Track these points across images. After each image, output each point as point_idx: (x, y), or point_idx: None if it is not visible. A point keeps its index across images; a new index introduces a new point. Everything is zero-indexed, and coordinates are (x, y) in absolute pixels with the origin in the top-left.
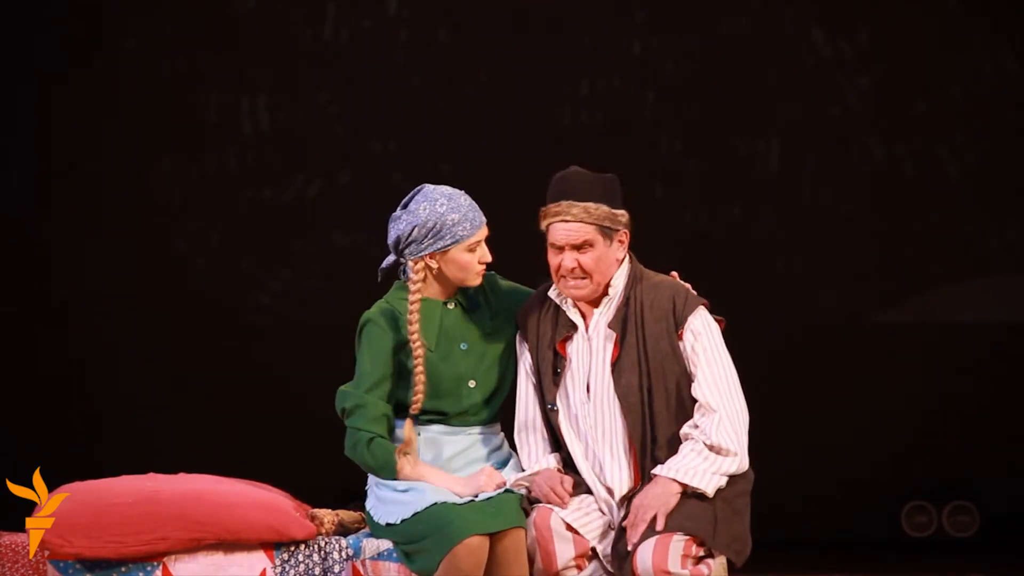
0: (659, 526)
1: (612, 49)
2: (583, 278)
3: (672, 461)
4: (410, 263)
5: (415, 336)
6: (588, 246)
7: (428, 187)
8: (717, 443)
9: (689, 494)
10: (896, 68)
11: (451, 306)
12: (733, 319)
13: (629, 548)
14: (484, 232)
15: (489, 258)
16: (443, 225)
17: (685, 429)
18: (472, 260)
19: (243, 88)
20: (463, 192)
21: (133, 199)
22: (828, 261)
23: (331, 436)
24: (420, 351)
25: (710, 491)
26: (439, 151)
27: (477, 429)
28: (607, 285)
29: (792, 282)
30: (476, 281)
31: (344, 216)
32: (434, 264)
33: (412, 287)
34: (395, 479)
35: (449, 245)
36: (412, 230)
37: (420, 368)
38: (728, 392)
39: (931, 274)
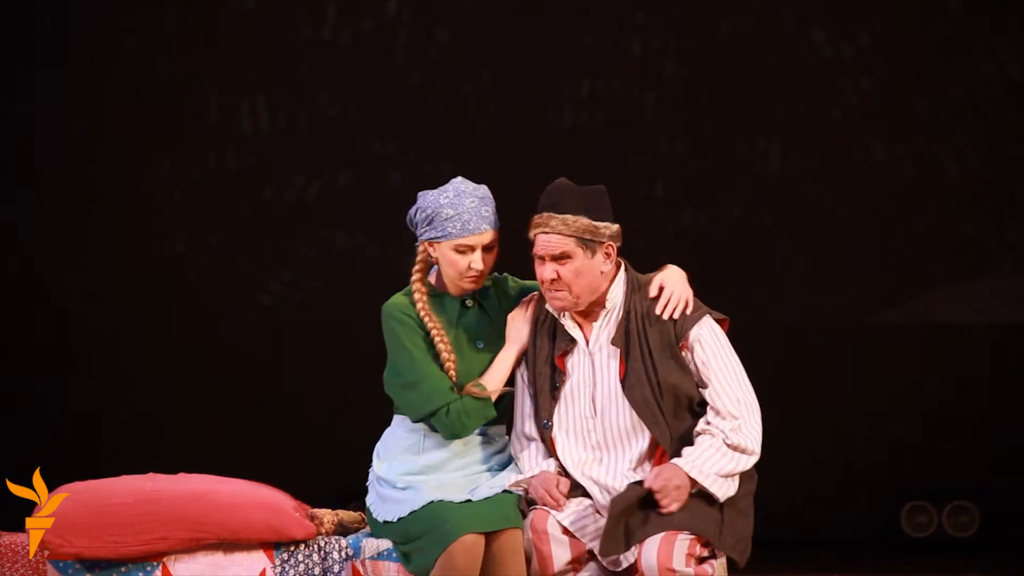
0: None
1: (612, 49)
2: (561, 289)
3: (696, 458)
4: (418, 244)
5: (423, 314)
6: (566, 257)
7: (457, 179)
8: (737, 443)
9: (694, 493)
10: (896, 68)
11: (469, 303)
12: (733, 319)
13: (661, 511)
14: (478, 239)
15: (479, 266)
16: (436, 216)
17: (701, 426)
18: (459, 261)
19: (243, 88)
20: (485, 196)
21: (134, 199)
22: (828, 261)
23: (331, 436)
24: (432, 324)
25: (721, 497)
26: (439, 151)
27: (485, 429)
28: (603, 297)
29: (792, 282)
30: (466, 285)
31: (344, 216)
32: (432, 252)
33: (414, 267)
34: (494, 411)
35: (439, 238)
36: (415, 212)
37: (440, 339)
38: (744, 397)
39: (931, 274)
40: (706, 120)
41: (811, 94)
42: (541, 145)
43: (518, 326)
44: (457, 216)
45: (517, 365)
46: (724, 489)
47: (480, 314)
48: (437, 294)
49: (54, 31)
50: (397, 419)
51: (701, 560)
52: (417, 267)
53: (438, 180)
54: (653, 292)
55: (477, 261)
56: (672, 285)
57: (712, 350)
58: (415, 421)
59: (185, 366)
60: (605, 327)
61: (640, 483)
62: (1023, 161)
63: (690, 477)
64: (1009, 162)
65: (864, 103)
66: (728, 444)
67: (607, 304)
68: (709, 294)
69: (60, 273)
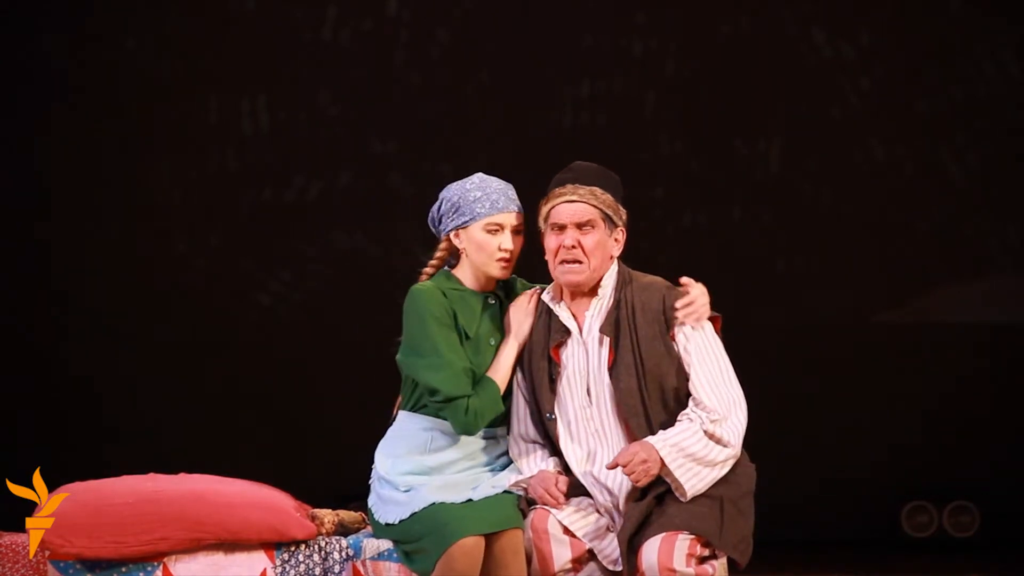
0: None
1: (612, 49)
2: (581, 261)
3: (669, 436)
4: (441, 239)
5: (454, 305)
6: (591, 227)
7: (479, 174)
8: (714, 432)
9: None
10: (896, 68)
11: (491, 300)
12: (733, 319)
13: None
14: (507, 217)
15: (509, 246)
16: (464, 201)
17: (681, 414)
18: (489, 241)
19: (243, 88)
20: (509, 184)
21: (133, 200)
22: (828, 261)
23: (331, 436)
24: (462, 317)
25: (687, 488)
26: (439, 151)
27: (490, 430)
28: (598, 285)
29: (792, 282)
30: (496, 269)
31: (344, 217)
32: (459, 243)
33: (429, 262)
34: (503, 406)
35: (467, 222)
36: (440, 205)
37: (467, 331)
38: (728, 392)
39: (931, 274)
40: (706, 120)
41: (811, 94)
42: (541, 145)
43: (519, 319)
44: (485, 196)
45: (518, 359)
46: (691, 478)
47: (499, 311)
48: (462, 288)
49: (55, 32)
50: (405, 416)
51: (702, 560)
52: (433, 262)
53: (438, 180)
54: (685, 282)
55: (507, 241)
56: (700, 294)
57: (696, 342)
58: (433, 406)
59: (185, 366)
60: (597, 316)
61: (638, 500)
62: (1023, 161)
63: (660, 456)
64: (1009, 162)
65: (864, 103)
66: (705, 431)
67: (599, 292)
68: (708, 294)
69: (60, 273)
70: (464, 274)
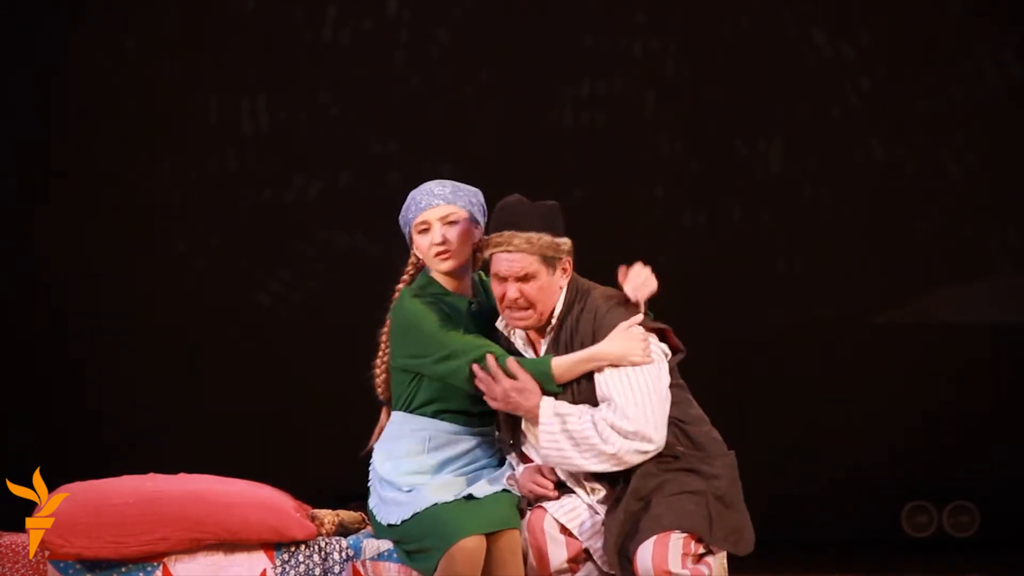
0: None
1: (612, 49)
2: (527, 308)
3: (564, 407)
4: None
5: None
6: (531, 277)
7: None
8: (610, 419)
9: (678, 492)
10: (897, 68)
11: (474, 307)
12: (733, 319)
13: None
14: (431, 213)
15: (437, 239)
16: (403, 217)
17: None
18: (422, 241)
19: (243, 88)
20: (442, 181)
21: (133, 200)
22: (828, 261)
23: (331, 436)
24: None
25: (542, 456)
26: (439, 151)
27: (485, 429)
28: (551, 313)
29: (792, 282)
30: (437, 264)
31: (344, 217)
32: (419, 254)
33: (403, 277)
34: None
35: (408, 233)
36: (402, 229)
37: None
38: (637, 418)
39: (932, 275)
40: (706, 120)
41: (811, 94)
42: (541, 145)
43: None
44: (412, 203)
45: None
46: (551, 444)
47: (481, 314)
48: (445, 292)
49: (55, 32)
50: (401, 417)
51: (698, 558)
52: (404, 278)
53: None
54: (622, 278)
55: (436, 235)
56: (640, 275)
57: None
58: (465, 387)
59: (185, 366)
60: (547, 344)
61: (613, 509)
62: (1023, 161)
63: (538, 409)
64: (1009, 162)
65: (864, 103)
66: (602, 418)
67: (553, 320)
68: (709, 294)
69: (60, 273)
70: (438, 277)
